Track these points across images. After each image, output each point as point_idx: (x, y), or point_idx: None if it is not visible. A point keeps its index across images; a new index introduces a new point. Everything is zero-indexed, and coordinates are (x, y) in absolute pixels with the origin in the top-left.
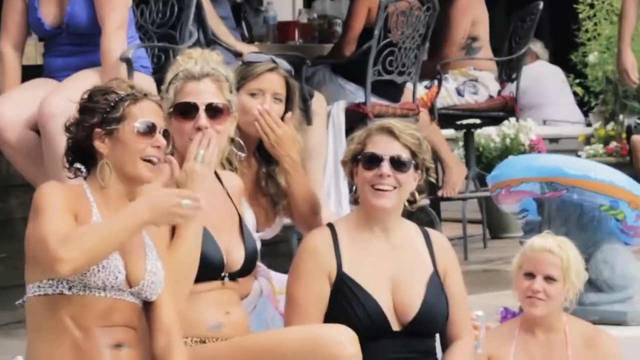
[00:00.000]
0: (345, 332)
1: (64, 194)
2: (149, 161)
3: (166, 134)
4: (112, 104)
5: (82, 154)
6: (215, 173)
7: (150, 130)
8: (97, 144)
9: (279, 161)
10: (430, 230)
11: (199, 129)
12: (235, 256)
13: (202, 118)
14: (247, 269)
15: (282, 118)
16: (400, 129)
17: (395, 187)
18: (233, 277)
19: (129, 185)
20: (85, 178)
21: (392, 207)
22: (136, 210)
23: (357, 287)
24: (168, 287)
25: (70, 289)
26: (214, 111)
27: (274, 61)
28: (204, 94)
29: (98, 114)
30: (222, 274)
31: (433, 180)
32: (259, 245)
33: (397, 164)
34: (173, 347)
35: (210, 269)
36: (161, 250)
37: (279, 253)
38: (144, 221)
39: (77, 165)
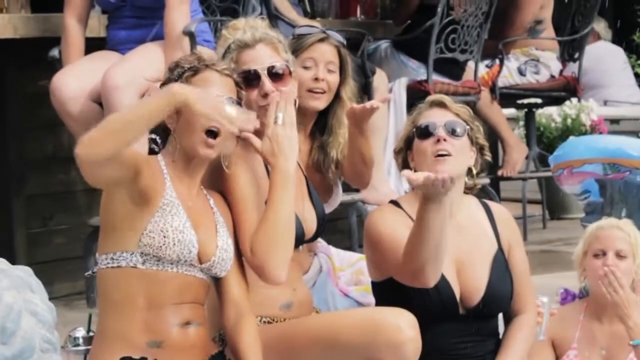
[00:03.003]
0: (404, 316)
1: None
2: (210, 132)
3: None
4: (175, 77)
5: (161, 126)
6: None
7: None
8: (166, 118)
9: (362, 130)
10: (490, 203)
11: (265, 95)
12: (309, 221)
13: (267, 83)
14: (320, 232)
15: (338, 89)
16: (450, 100)
17: (452, 155)
18: (305, 242)
19: (192, 162)
20: (157, 152)
21: (454, 174)
22: (172, 88)
23: None
24: (236, 262)
25: (144, 262)
26: (275, 74)
27: (324, 32)
28: (261, 59)
29: None
30: (302, 241)
31: (489, 159)
32: None
33: (452, 130)
34: (243, 319)
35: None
36: (230, 228)
37: (337, 229)
38: (184, 97)
39: (153, 136)
